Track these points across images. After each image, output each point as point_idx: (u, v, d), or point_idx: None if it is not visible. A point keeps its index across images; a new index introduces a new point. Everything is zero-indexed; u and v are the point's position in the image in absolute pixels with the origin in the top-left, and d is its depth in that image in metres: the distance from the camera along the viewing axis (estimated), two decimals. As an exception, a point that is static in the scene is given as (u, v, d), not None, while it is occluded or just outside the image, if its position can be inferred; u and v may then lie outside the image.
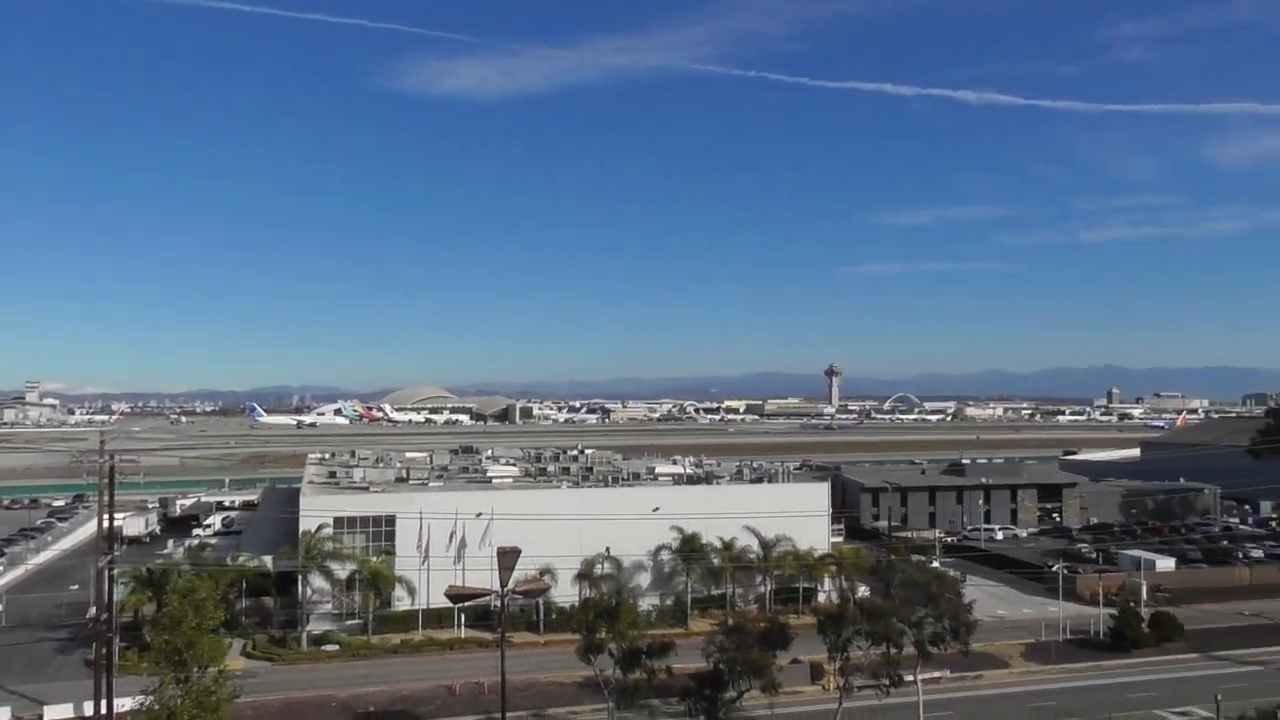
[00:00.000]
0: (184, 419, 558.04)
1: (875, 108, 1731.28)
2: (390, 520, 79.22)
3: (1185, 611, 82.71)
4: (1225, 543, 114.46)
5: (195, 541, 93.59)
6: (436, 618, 77.36)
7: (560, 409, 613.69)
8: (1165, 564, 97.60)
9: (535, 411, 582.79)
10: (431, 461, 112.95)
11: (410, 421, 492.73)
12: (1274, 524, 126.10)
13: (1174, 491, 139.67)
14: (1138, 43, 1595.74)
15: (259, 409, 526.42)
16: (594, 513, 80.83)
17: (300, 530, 76.52)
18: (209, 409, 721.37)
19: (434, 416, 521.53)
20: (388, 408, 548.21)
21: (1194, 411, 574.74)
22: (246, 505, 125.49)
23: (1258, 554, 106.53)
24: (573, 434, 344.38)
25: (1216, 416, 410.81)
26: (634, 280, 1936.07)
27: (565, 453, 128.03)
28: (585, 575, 77.72)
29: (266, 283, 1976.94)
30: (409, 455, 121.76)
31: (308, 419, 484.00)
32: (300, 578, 75.21)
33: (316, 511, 77.94)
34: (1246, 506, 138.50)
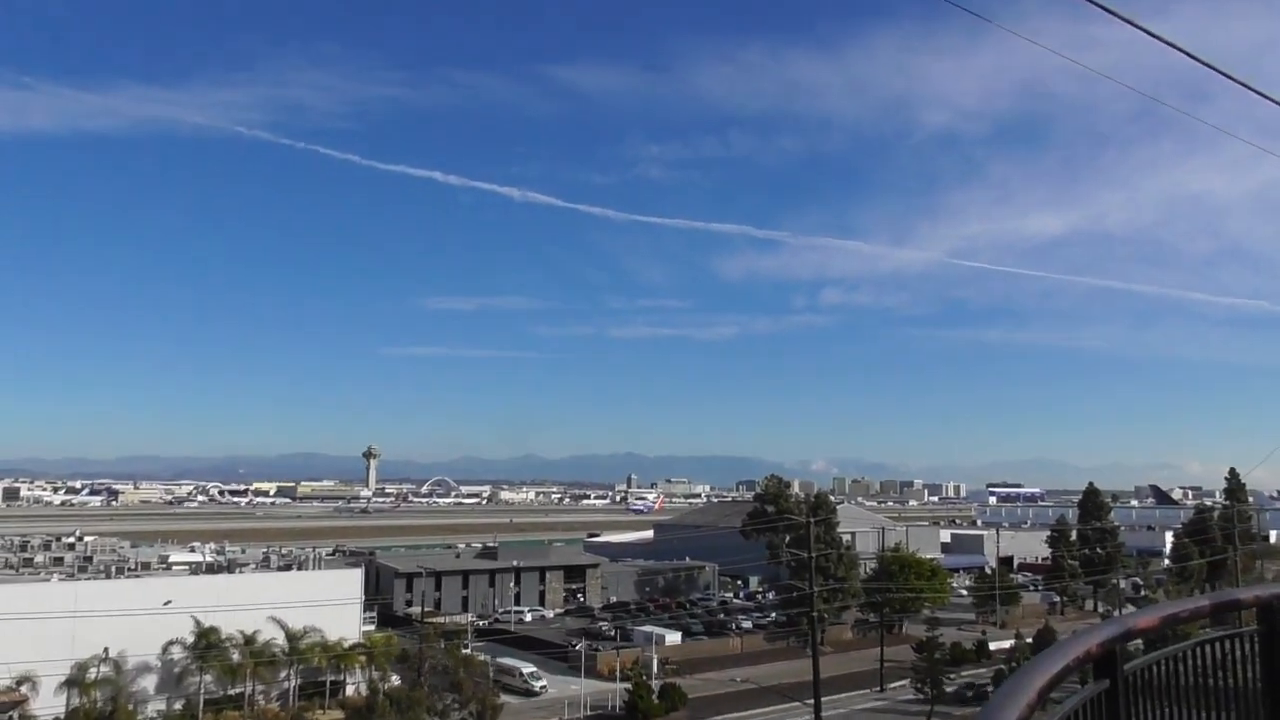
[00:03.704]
0: None
1: (425, 195, 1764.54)
2: None
3: (689, 680, 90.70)
4: (722, 615, 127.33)
5: None
6: None
7: (56, 489, 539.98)
8: (673, 637, 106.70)
9: (24, 492, 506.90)
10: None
11: None
12: (760, 597, 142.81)
13: (680, 570, 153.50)
14: (659, 162, 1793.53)
15: None
16: (91, 609, 71.72)
17: None
18: None
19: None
20: None
21: (698, 496, 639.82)
22: None
23: (747, 625, 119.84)
24: (71, 518, 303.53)
25: (716, 500, 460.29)
26: (152, 347, 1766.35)
27: (59, 540, 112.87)
28: (75, 681, 68.42)
29: None
30: None
31: None
32: None
33: None
34: (739, 581, 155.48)
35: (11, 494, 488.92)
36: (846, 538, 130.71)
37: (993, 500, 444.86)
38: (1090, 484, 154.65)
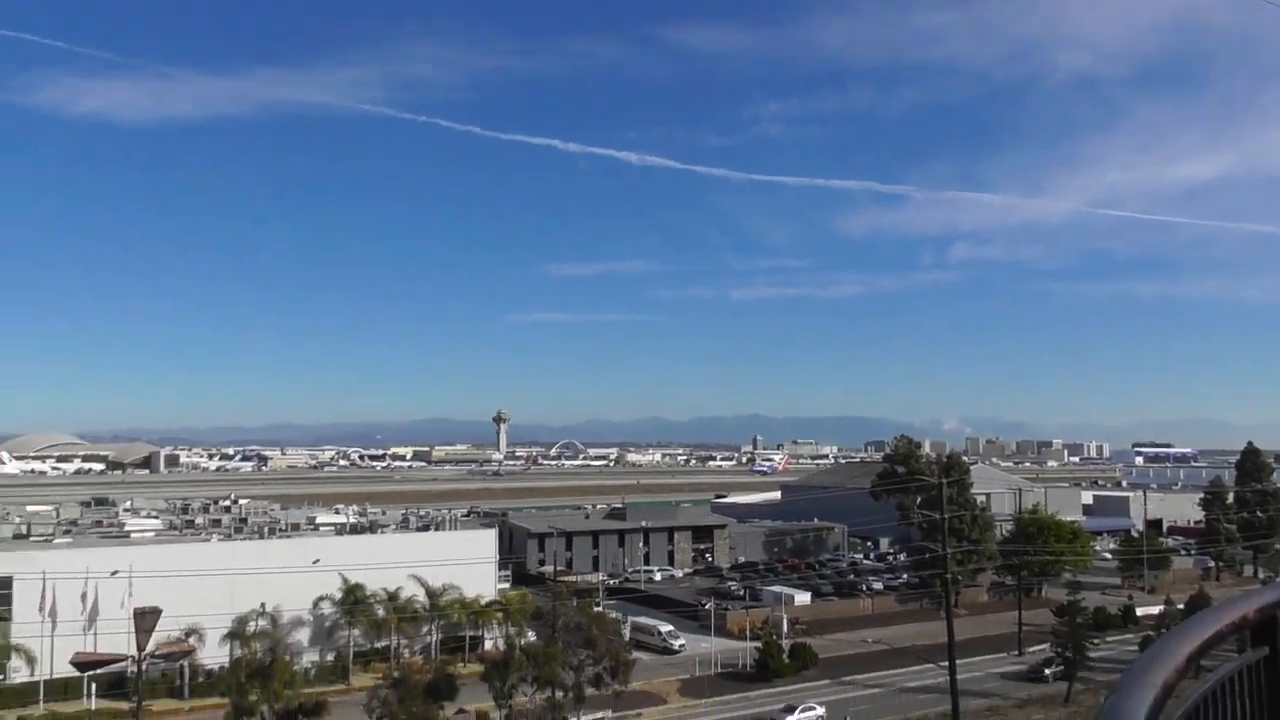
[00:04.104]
0: None
1: (544, 163, 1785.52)
2: (6, 582, 70.09)
3: (819, 640, 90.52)
4: (852, 576, 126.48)
5: None
6: (63, 689, 68.94)
7: (212, 456, 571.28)
8: (802, 598, 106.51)
9: (183, 459, 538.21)
10: (58, 515, 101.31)
11: (33, 471, 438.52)
12: (891, 558, 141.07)
13: (809, 530, 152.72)
14: (778, 120, 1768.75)
15: None
16: (248, 567, 75.90)
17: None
18: None
19: (62, 465, 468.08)
20: (5, 455, 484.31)
21: (825, 457, 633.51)
22: None
23: (878, 586, 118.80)
24: (225, 483, 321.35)
25: (844, 461, 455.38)
26: (292, 321, 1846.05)
27: (216, 503, 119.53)
28: (237, 634, 72.61)
29: None
30: (30, 509, 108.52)
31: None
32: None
33: (-91, 574, 67.46)
34: (869, 543, 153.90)
35: (172, 461, 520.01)
36: (981, 499, 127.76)
37: (1139, 461, 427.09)
38: (1249, 443, 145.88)
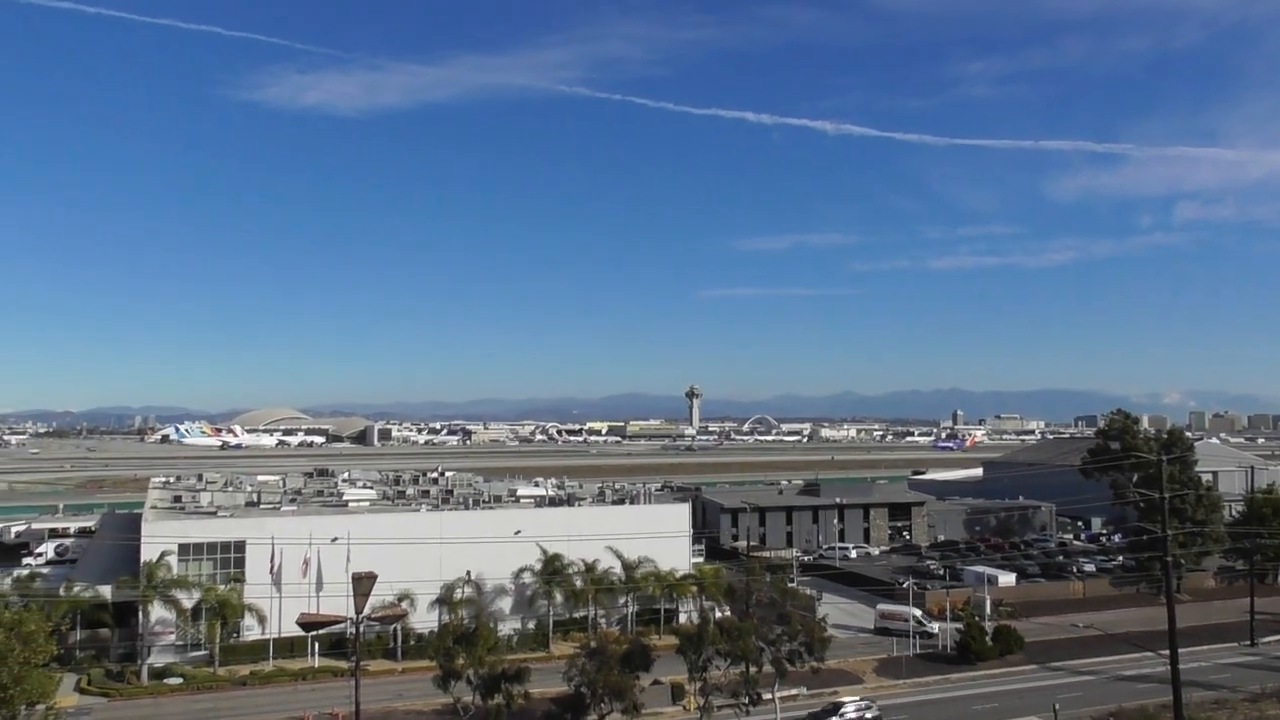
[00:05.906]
0: (13, 441, 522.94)
1: (736, 136, 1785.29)
2: (240, 546, 76.13)
3: (1025, 624, 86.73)
4: (1061, 558, 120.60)
5: (25, 571, 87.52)
6: (289, 647, 74.54)
7: (420, 430, 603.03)
8: (1007, 579, 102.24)
9: (394, 433, 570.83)
10: (284, 485, 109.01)
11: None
12: (1104, 539, 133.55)
13: (1014, 509, 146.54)
14: (982, 80, 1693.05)
15: (182, 430, 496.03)
16: (454, 536, 79.52)
17: (141, 558, 72.79)
18: (42, 430, 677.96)
19: (288, 438, 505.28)
20: (238, 429, 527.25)
21: (1030, 432, 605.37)
22: (83, 532, 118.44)
23: (1090, 568, 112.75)
24: (433, 456, 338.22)
25: (1051, 437, 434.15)
26: (496, 302, 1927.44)
27: (425, 475, 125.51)
28: (444, 600, 76.35)
29: (103, 299, 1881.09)
30: (260, 478, 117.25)
31: (233, 441, 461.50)
32: (140, 608, 71.39)
33: (160, 538, 74.23)
34: (1079, 523, 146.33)
35: (385, 435, 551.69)
36: (1206, 477, 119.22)
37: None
38: None
